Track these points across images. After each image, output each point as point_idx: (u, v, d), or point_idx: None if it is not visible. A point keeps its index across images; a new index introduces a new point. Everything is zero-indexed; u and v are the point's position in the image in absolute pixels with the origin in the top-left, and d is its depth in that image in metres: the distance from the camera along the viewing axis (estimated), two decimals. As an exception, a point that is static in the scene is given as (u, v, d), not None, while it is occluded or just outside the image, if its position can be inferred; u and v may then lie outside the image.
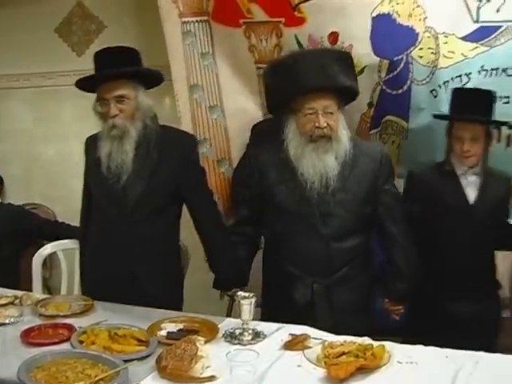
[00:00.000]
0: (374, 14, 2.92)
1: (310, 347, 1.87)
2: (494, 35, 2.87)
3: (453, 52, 2.91)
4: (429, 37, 2.91)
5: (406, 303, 2.48)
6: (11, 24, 4.09)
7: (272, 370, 1.75)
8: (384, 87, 3.01)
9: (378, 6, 2.91)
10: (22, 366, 1.69)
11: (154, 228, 2.35)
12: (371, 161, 2.34)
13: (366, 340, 1.91)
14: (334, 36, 2.95)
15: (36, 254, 2.95)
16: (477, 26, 2.89)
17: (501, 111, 2.81)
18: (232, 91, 3.28)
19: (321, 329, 2.03)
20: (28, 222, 3.21)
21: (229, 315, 2.84)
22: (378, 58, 2.94)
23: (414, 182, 2.59)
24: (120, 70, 2.26)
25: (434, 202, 2.51)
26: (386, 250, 2.44)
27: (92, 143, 2.42)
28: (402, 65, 2.94)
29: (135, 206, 2.33)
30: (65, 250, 3.01)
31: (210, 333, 2.01)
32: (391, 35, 2.92)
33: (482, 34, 2.88)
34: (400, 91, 2.97)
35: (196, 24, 3.20)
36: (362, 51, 2.88)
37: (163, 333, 2.02)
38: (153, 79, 2.42)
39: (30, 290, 2.74)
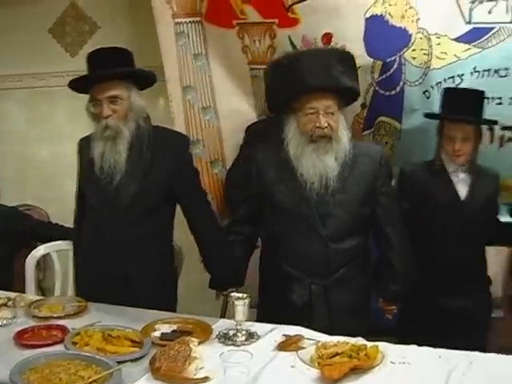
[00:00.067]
0: (367, 15, 2.93)
1: (303, 348, 1.88)
2: (486, 36, 2.89)
3: (445, 53, 2.93)
4: (421, 38, 2.92)
5: (399, 303, 2.49)
6: (4, 24, 4.08)
7: (266, 371, 1.75)
8: (377, 88, 3.02)
9: (370, 7, 2.92)
10: (15, 368, 1.68)
11: (147, 229, 2.35)
12: (371, 162, 2.33)
13: (360, 340, 1.91)
14: (327, 37, 2.96)
15: (29, 256, 2.94)
16: (469, 27, 2.90)
17: (493, 112, 2.84)
18: (225, 92, 3.28)
19: (318, 330, 2.03)
20: (21, 224, 3.19)
21: (223, 316, 2.85)
22: (371, 59, 2.95)
23: (405, 179, 2.62)
24: (113, 70, 2.26)
25: (425, 199, 2.54)
26: (381, 251, 2.44)
27: (85, 144, 2.42)
28: (394, 66, 2.95)
29: (128, 207, 2.32)
30: (58, 251, 3.00)
31: (204, 334, 2.01)
32: (384, 36, 2.93)
33: (474, 35, 2.90)
34: (393, 92, 2.98)
35: (189, 25, 3.20)
36: (355, 52, 2.85)
37: (157, 334, 2.01)
38: (146, 80, 2.42)
39: (23, 291, 2.73)
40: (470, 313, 2.55)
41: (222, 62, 3.25)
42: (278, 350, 1.90)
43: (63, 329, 2.03)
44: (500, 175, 2.77)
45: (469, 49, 2.91)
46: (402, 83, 2.98)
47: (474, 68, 2.92)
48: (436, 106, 2.79)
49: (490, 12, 2.88)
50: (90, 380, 1.65)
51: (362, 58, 2.90)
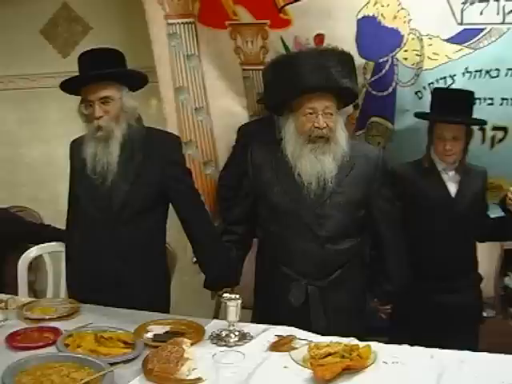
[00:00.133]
0: (359, 16, 2.94)
1: (296, 348, 1.88)
2: (477, 37, 2.91)
3: (437, 54, 2.94)
4: (413, 39, 2.93)
5: (393, 303, 2.50)
6: (-4, 25, 4.07)
7: (258, 372, 1.75)
8: (369, 89, 3.03)
9: (363, 8, 2.93)
10: (7, 371, 1.67)
11: (139, 230, 2.34)
12: (368, 163, 2.33)
13: (352, 340, 1.92)
14: (319, 38, 2.97)
15: (21, 257, 2.92)
16: (461, 28, 2.92)
17: (485, 112, 2.86)
18: (218, 93, 3.28)
19: (315, 331, 2.03)
20: (14, 227, 3.18)
21: (216, 317, 2.84)
22: (364, 60, 2.96)
23: (396, 177, 2.63)
24: (104, 71, 2.26)
25: (416, 197, 2.57)
26: (377, 251, 2.45)
27: (77, 146, 2.42)
28: (387, 67, 2.96)
29: (121, 208, 2.32)
30: (51, 252, 2.99)
31: (197, 335, 2.01)
32: (376, 37, 2.94)
33: (465, 36, 2.92)
34: (385, 93, 2.99)
35: (182, 26, 3.20)
36: (347, 53, 2.90)
37: (149, 335, 2.01)
38: (138, 81, 2.41)
39: (15, 293, 2.71)
40: (461, 309, 2.58)
41: (215, 62, 3.25)
42: (270, 351, 1.90)
43: (55, 331, 2.02)
44: (491, 175, 2.79)
45: (460, 49, 2.92)
46: (394, 84, 2.99)
47: (466, 69, 2.93)
48: (428, 107, 2.79)
49: (481, 13, 2.90)
50: (83, 382, 1.64)
51: (354, 59, 2.92)
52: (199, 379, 1.70)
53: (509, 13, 2.86)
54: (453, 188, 2.61)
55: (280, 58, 2.40)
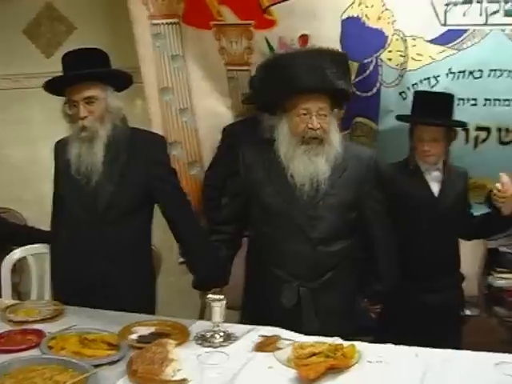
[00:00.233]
0: (344, 17, 2.96)
1: (280, 348, 1.88)
2: (461, 38, 2.94)
3: (421, 55, 2.97)
4: (397, 39, 2.95)
5: (383, 302, 2.52)
6: (-22, 25, 4.04)
7: (243, 372, 1.75)
8: (354, 89, 3.04)
9: (347, 9, 2.95)
10: (-10, 373, 1.66)
11: (125, 231, 2.33)
12: (361, 165, 2.32)
13: (337, 340, 1.92)
14: (304, 38, 2.98)
15: (5, 259, 2.89)
16: (444, 29, 2.95)
17: (468, 113, 2.89)
18: (202, 94, 3.29)
19: (307, 333, 2.02)
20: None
21: (202, 318, 2.84)
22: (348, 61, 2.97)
23: (380, 178, 2.64)
24: (89, 71, 2.24)
25: (400, 197, 2.57)
26: (367, 252, 2.43)
27: (61, 146, 2.40)
28: (371, 67, 2.98)
29: (105, 209, 2.31)
30: (35, 254, 2.96)
31: (182, 336, 2.00)
32: (360, 38, 2.96)
33: (449, 37, 2.95)
34: (369, 93, 3.01)
35: (166, 26, 3.19)
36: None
37: (134, 336, 2.00)
38: (123, 81, 2.40)
39: (-1, 295, 2.70)
40: (444, 308, 2.61)
41: (199, 63, 3.25)
42: (255, 351, 1.89)
43: (39, 333, 2.00)
44: (474, 174, 2.82)
45: (444, 50, 2.95)
46: (378, 84, 3.01)
47: (450, 69, 2.96)
48: (412, 107, 2.82)
49: (464, 14, 2.93)
50: (66, 384, 1.63)
51: (338, 59, 2.92)
52: (184, 380, 1.69)
53: (491, 14, 2.90)
54: (436, 188, 2.63)
55: (274, 57, 2.40)
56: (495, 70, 2.92)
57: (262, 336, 1.98)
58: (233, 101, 3.31)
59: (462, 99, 2.90)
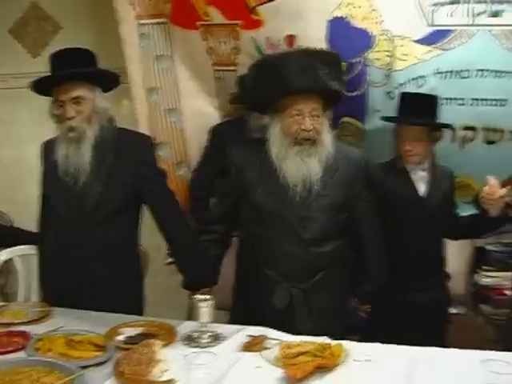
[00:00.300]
0: (331, 17, 2.96)
1: (268, 348, 1.88)
2: (447, 39, 2.95)
3: (408, 55, 2.98)
4: (384, 40, 2.96)
5: (373, 302, 2.53)
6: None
7: (231, 372, 1.75)
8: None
9: (334, 9, 2.95)
10: (-25, 376, 1.65)
11: (112, 231, 2.33)
12: (350, 166, 2.32)
13: (324, 339, 1.92)
14: (290, 39, 2.99)
15: (-9, 261, 2.89)
16: (431, 29, 2.96)
17: (455, 113, 2.90)
18: (190, 94, 3.28)
19: (300, 333, 2.02)
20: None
21: (190, 318, 2.83)
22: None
23: (370, 178, 2.65)
24: (76, 71, 2.24)
25: (387, 197, 2.59)
26: (357, 252, 2.44)
27: (48, 147, 2.40)
28: (358, 67, 2.99)
29: (93, 209, 2.30)
30: (21, 255, 2.95)
31: (169, 336, 2.00)
32: (348, 38, 2.97)
33: (436, 37, 2.96)
34: (357, 93, 3.02)
35: (153, 26, 3.18)
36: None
37: (121, 337, 1.99)
38: (110, 81, 2.39)
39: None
40: (430, 307, 2.63)
41: (187, 63, 3.24)
42: (242, 351, 1.90)
43: (25, 335, 1.99)
44: (461, 174, 2.85)
45: (431, 50, 2.97)
46: (365, 84, 3.02)
47: (437, 69, 2.98)
48: (399, 107, 2.83)
49: (451, 15, 2.95)
50: (52, 386, 1.63)
51: (325, 59, 2.93)
52: (171, 381, 1.69)
53: (478, 15, 2.92)
54: (422, 188, 2.66)
55: (267, 57, 2.39)
56: (482, 70, 2.94)
57: (250, 336, 1.98)
58: (220, 101, 3.31)
59: (449, 99, 2.92)
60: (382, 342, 1.96)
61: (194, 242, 2.42)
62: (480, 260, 3.43)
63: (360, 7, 2.97)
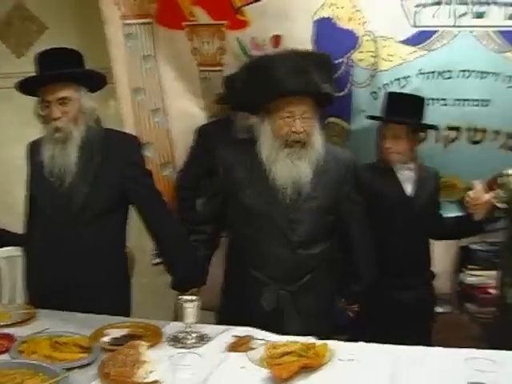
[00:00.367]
0: (315, 18, 2.97)
1: (253, 348, 1.88)
2: (430, 39, 2.98)
3: (392, 55, 3.00)
4: (368, 40, 2.98)
5: (360, 302, 2.54)
6: None
7: (216, 373, 1.75)
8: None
9: (318, 9, 2.96)
10: (-41, 379, 1.64)
11: (100, 232, 2.31)
12: (339, 168, 2.32)
13: (309, 339, 1.93)
14: (276, 39, 2.99)
15: (-24, 263, 2.87)
16: (415, 30, 2.98)
17: (438, 113, 2.93)
18: (175, 94, 3.28)
19: (288, 334, 2.01)
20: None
21: (176, 319, 2.83)
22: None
23: (358, 179, 2.66)
24: (63, 71, 2.23)
25: (374, 197, 2.60)
26: (346, 253, 2.44)
27: (34, 147, 2.38)
28: (342, 67, 3.00)
29: (80, 210, 2.29)
30: (6, 257, 2.93)
31: (154, 337, 2.00)
32: (332, 39, 2.98)
33: (419, 38, 2.99)
34: (341, 93, 3.02)
35: (138, 26, 3.18)
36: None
37: (106, 339, 1.98)
38: (97, 81, 2.38)
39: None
40: (416, 306, 2.65)
41: (172, 63, 3.24)
42: (228, 352, 1.90)
43: (9, 337, 1.97)
44: (445, 174, 2.87)
45: (415, 51, 2.99)
46: (349, 85, 3.04)
47: (420, 70, 3.00)
48: (383, 107, 2.85)
49: (433, 16, 2.97)
50: (37, 388, 1.62)
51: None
52: (156, 382, 1.68)
53: (460, 16, 2.95)
54: (409, 188, 2.68)
55: (258, 58, 2.37)
56: (464, 71, 2.97)
57: (235, 336, 1.98)
58: (206, 101, 3.31)
59: (433, 99, 2.94)
60: (369, 341, 1.97)
61: (183, 242, 2.42)
62: (465, 259, 3.45)
63: (343, 8, 2.98)
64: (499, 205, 2.50)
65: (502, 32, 2.94)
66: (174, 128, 3.31)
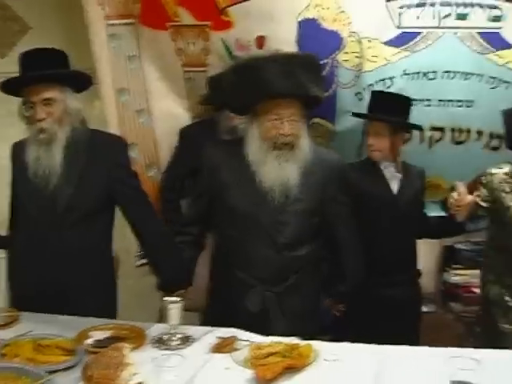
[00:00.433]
0: (300, 19, 2.98)
1: (238, 349, 1.88)
2: (414, 41, 3.00)
3: (376, 56, 3.02)
4: (353, 41, 3.00)
5: (347, 302, 2.55)
6: None
7: (200, 374, 1.75)
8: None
9: (303, 11, 2.97)
10: None
11: (85, 234, 2.30)
12: (325, 169, 2.31)
13: (293, 340, 1.93)
14: (260, 40, 3.00)
15: (-42, 265, 2.83)
16: (399, 31, 3.01)
17: (423, 113, 2.95)
18: (159, 95, 3.27)
19: (273, 335, 2.01)
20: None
21: (161, 320, 2.82)
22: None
23: (345, 180, 2.68)
24: (47, 72, 2.21)
25: (360, 195, 2.61)
26: (332, 253, 2.45)
27: (19, 148, 2.36)
28: (327, 68, 3.01)
29: (65, 211, 2.27)
30: (-12, 260, 2.90)
31: (138, 339, 1.99)
32: (317, 39, 2.99)
33: (403, 39, 3.01)
34: (326, 94, 3.03)
35: (122, 27, 3.16)
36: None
37: (90, 341, 1.97)
38: (82, 82, 2.37)
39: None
40: (402, 304, 2.67)
41: (156, 64, 3.23)
42: (212, 353, 1.90)
43: (-8, 341, 1.96)
44: (430, 174, 2.89)
45: (399, 52, 3.01)
46: (334, 85, 3.05)
47: (404, 71, 3.02)
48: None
49: (418, 17, 3.00)
50: (19, 392, 1.61)
51: (295, 61, 2.95)
52: (140, 384, 1.68)
53: (444, 17, 2.97)
54: (395, 186, 2.70)
55: (246, 60, 2.36)
56: (448, 72, 3.00)
57: (219, 337, 1.98)
58: (190, 102, 3.30)
59: (417, 100, 2.95)
60: (354, 340, 1.97)
61: (169, 243, 2.41)
62: (449, 258, 3.48)
63: (328, 9, 2.99)
64: (483, 203, 2.53)
65: (485, 33, 2.97)
66: (158, 128, 3.31)
